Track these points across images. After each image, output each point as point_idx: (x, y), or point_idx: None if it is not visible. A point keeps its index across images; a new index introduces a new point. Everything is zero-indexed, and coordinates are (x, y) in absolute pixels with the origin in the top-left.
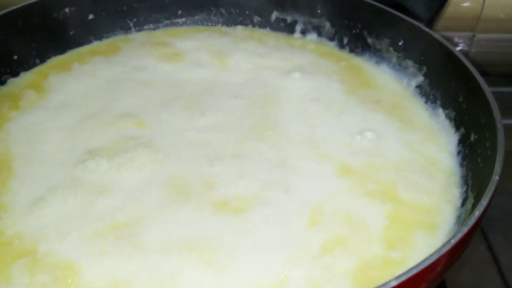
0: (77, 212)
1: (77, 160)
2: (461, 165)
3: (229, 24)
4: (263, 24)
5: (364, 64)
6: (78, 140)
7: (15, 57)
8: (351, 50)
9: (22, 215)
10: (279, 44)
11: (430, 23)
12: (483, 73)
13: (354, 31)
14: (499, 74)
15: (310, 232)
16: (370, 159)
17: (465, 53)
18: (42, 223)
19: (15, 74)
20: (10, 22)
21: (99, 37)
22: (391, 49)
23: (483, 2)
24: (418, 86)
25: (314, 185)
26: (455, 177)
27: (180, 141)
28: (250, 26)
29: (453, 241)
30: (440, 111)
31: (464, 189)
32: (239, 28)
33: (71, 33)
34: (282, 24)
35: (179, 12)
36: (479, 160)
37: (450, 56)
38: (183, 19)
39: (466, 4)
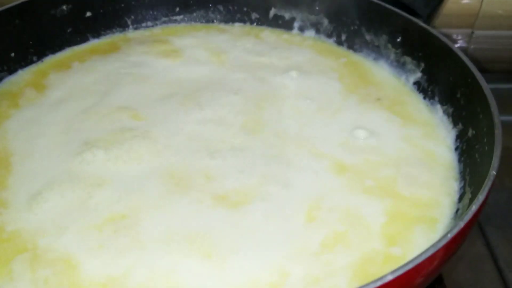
0: (75, 206)
1: (74, 153)
2: (459, 160)
3: (227, 21)
4: (261, 21)
5: (364, 61)
6: (74, 133)
7: (12, 54)
8: (349, 47)
9: (21, 211)
10: (277, 41)
11: (429, 19)
12: (481, 70)
13: (352, 28)
14: (498, 70)
15: (309, 228)
16: (368, 157)
17: (463, 49)
18: (41, 218)
19: (13, 71)
20: (7, 19)
21: (97, 35)
22: (389, 45)
23: None
24: (416, 83)
25: (312, 180)
26: (454, 171)
27: (178, 134)
28: (248, 23)
29: (449, 236)
30: (438, 107)
31: (462, 184)
32: (237, 25)
33: (68, 30)
34: (280, 21)
35: (177, 9)
36: (477, 155)
37: (448, 52)
38: (181, 16)
39: (464, 1)
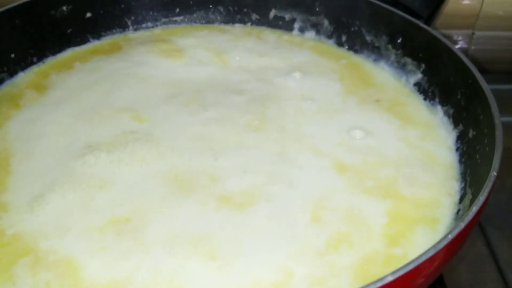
0: (77, 208)
1: (76, 155)
2: (460, 161)
3: (227, 22)
4: (261, 22)
5: (364, 62)
6: (76, 135)
7: (12, 55)
8: (350, 48)
9: (22, 213)
10: (278, 41)
11: (429, 20)
12: (482, 71)
13: (352, 29)
14: (498, 71)
15: (313, 228)
16: (367, 157)
17: (464, 50)
18: (42, 220)
19: (13, 72)
20: (7, 20)
21: (97, 36)
22: (389, 46)
23: None
24: (417, 84)
25: (315, 180)
26: (454, 171)
27: (181, 135)
28: (249, 24)
29: (450, 236)
30: (439, 108)
31: (463, 185)
32: (238, 25)
33: (68, 31)
34: (280, 22)
35: (177, 10)
36: (478, 156)
37: (448, 53)
38: (181, 17)
39: (465, 2)
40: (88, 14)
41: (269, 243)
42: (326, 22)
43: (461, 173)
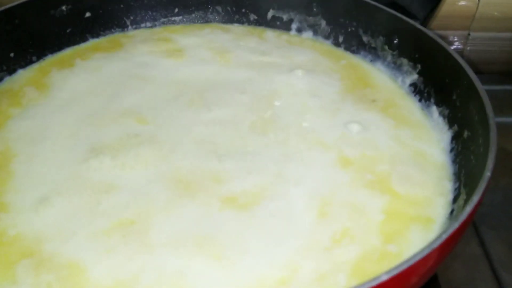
0: (82, 211)
1: (80, 159)
2: (454, 162)
3: (225, 22)
4: (259, 23)
5: (363, 63)
6: (80, 138)
7: (12, 54)
8: (346, 49)
9: (26, 214)
10: (279, 41)
11: (425, 21)
12: (477, 72)
13: (349, 30)
14: (493, 72)
15: (319, 225)
16: (365, 152)
17: (459, 51)
18: (47, 223)
19: (12, 71)
20: (6, 19)
21: (96, 35)
22: (386, 47)
23: (478, 0)
24: (412, 84)
25: (321, 177)
26: (447, 171)
27: (185, 137)
28: (246, 24)
29: (444, 236)
30: (434, 108)
31: (457, 185)
32: (238, 25)
33: (68, 30)
34: (278, 22)
35: (176, 10)
36: (472, 157)
37: (444, 54)
38: (180, 17)
39: (461, 3)
40: (88, 14)
41: (274, 241)
42: (323, 23)
43: (456, 173)
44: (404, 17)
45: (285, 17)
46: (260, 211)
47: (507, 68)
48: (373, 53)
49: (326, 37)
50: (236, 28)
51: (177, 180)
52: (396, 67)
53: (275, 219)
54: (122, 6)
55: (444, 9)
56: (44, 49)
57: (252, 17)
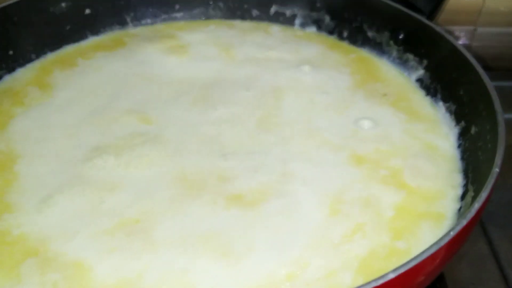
0: (86, 210)
1: (83, 158)
2: (462, 158)
3: (227, 18)
4: (261, 18)
5: (373, 56)
6: (84, 137)
7: (11, 52)
8: (351, 44)
9: (30, 214)
10: (286, 36)
11: (431, 16)
12: (484, 68)
13: (354, 25)
14: (501, 68)
15: (331, 222)
16: (379, 147)
17: (466, 47)
18: (51, 222)
19: (11, 69)
20: (5, 16)
21: (96, 32)
22: (391, 42)
23: None
24: (419, 80)
25: (330, 175)
26: (457, 164)
27: (190, 136)
28: (249, 20)
29: (452, 233)
30: (441, 104)
31: (465, 182)
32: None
33: (67, 28)
34: (281, 18)
35: (177, 6)
36: (480, 153)
37: (451, 49)
38: (181, 14)
39: None
40: (87, 11)
41: (281, 238)
42: (327, 18)
43: (463, 170)
44: (410, 12)
45: (288, 12)
46: (267, 209)
47: None
48: (378, 49)
49: (330, 33)
50: (241, 23)
51: (182, 179)
52: (402, 63)
53: (283, 217)
54: (122, 2)
55: (450, 3)
56: (43, 47)
57: (255, 12)
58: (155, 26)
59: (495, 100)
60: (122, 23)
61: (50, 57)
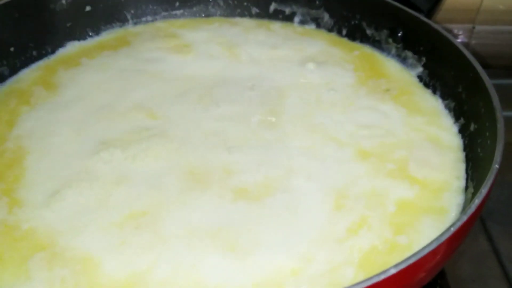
0: (94, 204)
1: (91, 152)
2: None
3: (227, 16)
4: (261, 16)
5: (377, 53)
6: (90, 132)
7: (12, 49)
8: (351, 41)
9: (38, 209)
10: (289, 33)
11: (430, 14)
12: (483, 65)
13: (353, 22)
14: (499, 66)
15: (335, 216)
16: (383, 140)
17: (464, 45)
18: (59, 217)
19: (12, 66)
20: (6, 13)
21: (96, 29)
22: (390, 40)
23: None
24: (418, 77)
25: (335, 170)
26: (461, 153)
27: (195, 131)
28: (248, 18)
29: (452, 229)
30: (440, 101)
31: (465, 178)
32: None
33: (68, 25)
34: (280, 16)
35: (177, 3)
36: (479, 150)
37: (450, 46)
38: (181, 11)
39: None
40: (88, 8)
41: (287, 232)
42: (326, 16)
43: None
44: (408, 10)
45: (287, 10)
46: (273, 203)
47: None
48: (377, 46)
49: (329, 30)
50: (244, 21)
51: (189, 172)
52: (401, 60)
53: (288, 212)
54: (122, 0)
55: (449, 1)
56: (44, 44)
57: (254, 10)
58: (155, 23)
59: (494, 98)
60: (123, 20)
61: (54, 57)
